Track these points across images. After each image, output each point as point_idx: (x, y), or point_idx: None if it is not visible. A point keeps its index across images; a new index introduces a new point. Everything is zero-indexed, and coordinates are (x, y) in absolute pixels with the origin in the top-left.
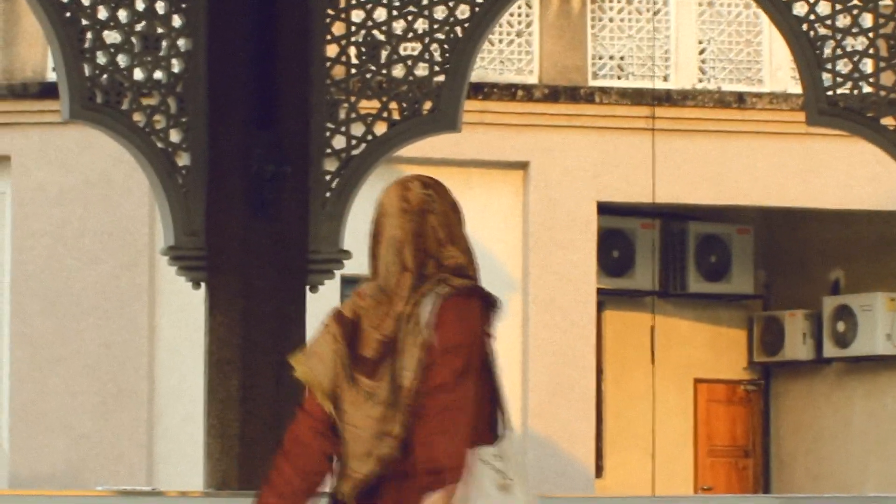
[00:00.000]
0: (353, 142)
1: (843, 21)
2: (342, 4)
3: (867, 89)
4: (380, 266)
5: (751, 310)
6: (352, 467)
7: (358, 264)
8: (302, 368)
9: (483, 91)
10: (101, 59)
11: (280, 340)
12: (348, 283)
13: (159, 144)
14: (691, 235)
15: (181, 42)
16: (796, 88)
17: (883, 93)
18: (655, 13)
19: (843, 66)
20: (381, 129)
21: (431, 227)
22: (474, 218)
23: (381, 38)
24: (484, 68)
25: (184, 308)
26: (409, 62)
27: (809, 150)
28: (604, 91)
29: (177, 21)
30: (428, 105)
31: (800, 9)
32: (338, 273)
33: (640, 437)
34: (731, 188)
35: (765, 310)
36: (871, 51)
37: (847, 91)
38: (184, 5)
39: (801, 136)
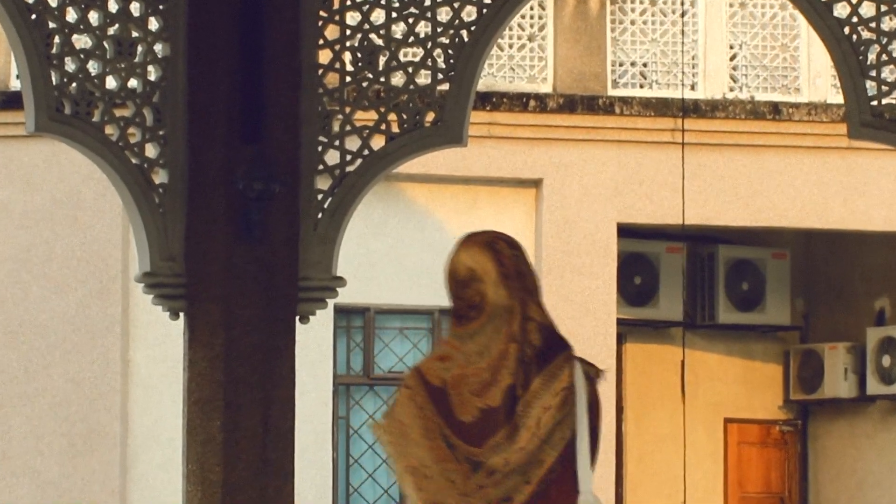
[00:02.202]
0: (348, 157)
1: (889, 24)
2: (336, 6)
3: None
4: (480, 334)
5: (787, 342)
6: None
7: (352, 292)
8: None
9: (492, 101)
10: (70, 65)
11: (267, 376)
12: (342, 312)
13: (134, 160)
14: (721, 260)
15: (158, 47)
16: (837, 98)
17: None
18: (682, 15)
19: (890, 74)
20: (378, 142)
21: (528, 290)
22: None
23: (379, 42)
24: (493, 76)
25: (161, 341)
26: (410, 69)
27: (852, 166)
28: (625, 101)
29: (154, 24)
30: (430, 116)
31: (841, 10)
32: (331, 302)
33: (665, 483)
34: (766, 208)
35: (802, 342)
36: None
37: (894, 101)
38: (161, 7)
39: (843, 151)
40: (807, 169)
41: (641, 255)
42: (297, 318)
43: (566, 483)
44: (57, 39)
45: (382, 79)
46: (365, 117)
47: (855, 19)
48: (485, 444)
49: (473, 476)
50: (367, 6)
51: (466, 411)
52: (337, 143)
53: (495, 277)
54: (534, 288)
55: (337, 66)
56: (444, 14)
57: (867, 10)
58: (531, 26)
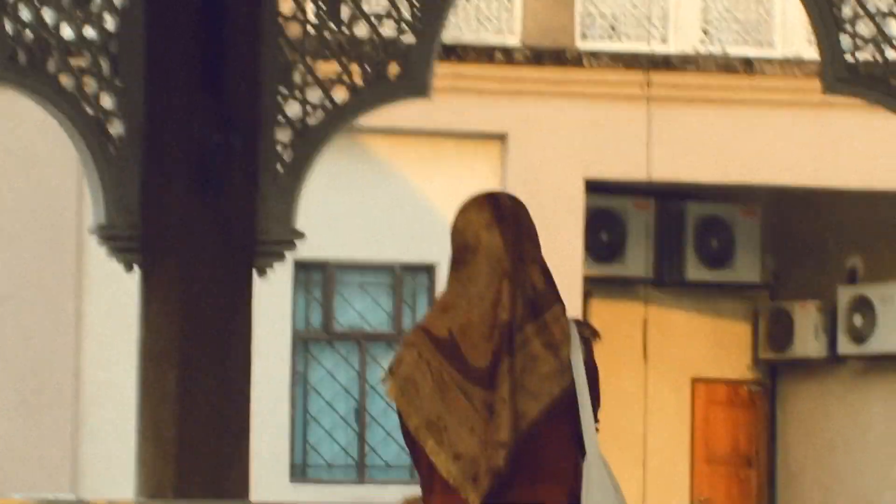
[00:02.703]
0: (310, 109)
1: None
2: None
3: (891, 54)
4: (477, 277)
5: (756, 301)
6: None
7: (312, 246)
8: (398, 397)
9: (457, 53)
10: (25, 13)
11: (224, 331)
12: (301, 267)
13: (90, 111)
14: (690, 217)
15: None
16: (812, 53)
17: None
18: None
19: (865, 28)
20: (341, 95)
21: (525, 237)
22: (445, 195)
23: None
24: (458, 27)
25: (115, 295)
26: (374, 20)
27: (826, 122)
28: (593, 54)
29: None
30: (394, 68)
31: None
32: (290, 256)
33: (630, 444)
34: (736, 164)
35: (772, 301)
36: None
37: (869, 56)
38: None
39: (817, 107)
40: (779, 125)
41: (609, 211)
42: (255, 271)
43: (555, 442)
44: None
45: (346, 30)
46: (327, 69)
47: None
48: (493, 388)
49: (489, 423)
50: None
51: (480, 356)
52: (298, 95)
53: (489, 218)
54: (533, 235)
55: (299, 16)
56: None
57: None
58: None
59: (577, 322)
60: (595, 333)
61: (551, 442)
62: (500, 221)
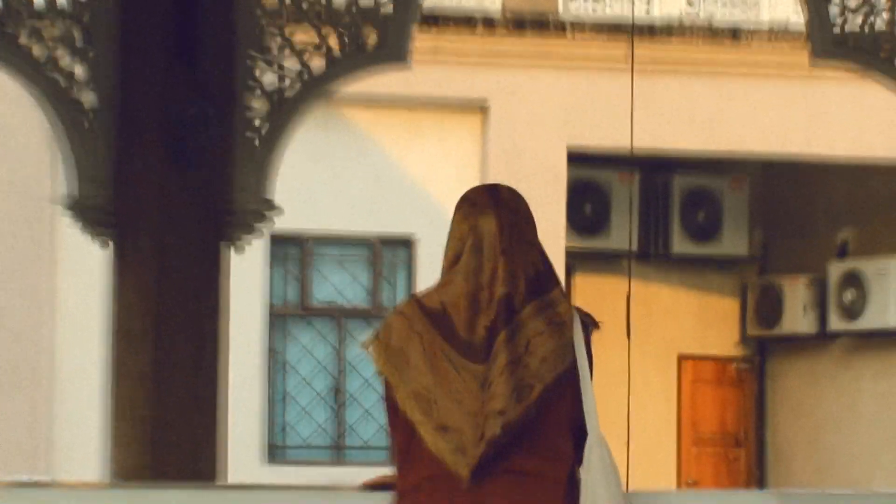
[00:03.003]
0: (286, 78)
1: None
2: None
3: (881, 25)
4: (474, 256)
5: (745, 275)
6: (469, 459)
7: (289, 220)
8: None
9: (437, 22)
10: None
11: (199, 309)
12: (277, 241)
13: (62, 82)
14: (676, 188)
15: None
16: (799, 22)
17: None
18: None
19: None
20: (318, 64)
21: (523, 221)
22: (424, 167)
23: None
24: None
25: (90, 271)
26: None
27: (814, 93)
28: (576, 23)
29: None
30: (372, 37)
31: None
32: (266, 230)
33: (614, 423)
34: (724, 135)
35: (761, 275)
36: None
37: (857, 27)
38: None
39: (805, 77)
40: (767, 94)
41: (592, 183)
42: (231, 246)
43: (556, 419)
44: None
45: None
46: (304, 37)
47: None
48: (487, 361)
49: (480, 394)
50: None
51: (472, 330)
52: (274, 64)
53: (485, 204)
54: (531, 222)
55: None
56: None
57: None
58: None
59: (578, 308)
60: (595, 323)
61: (553, 419)
62: (495, 206)
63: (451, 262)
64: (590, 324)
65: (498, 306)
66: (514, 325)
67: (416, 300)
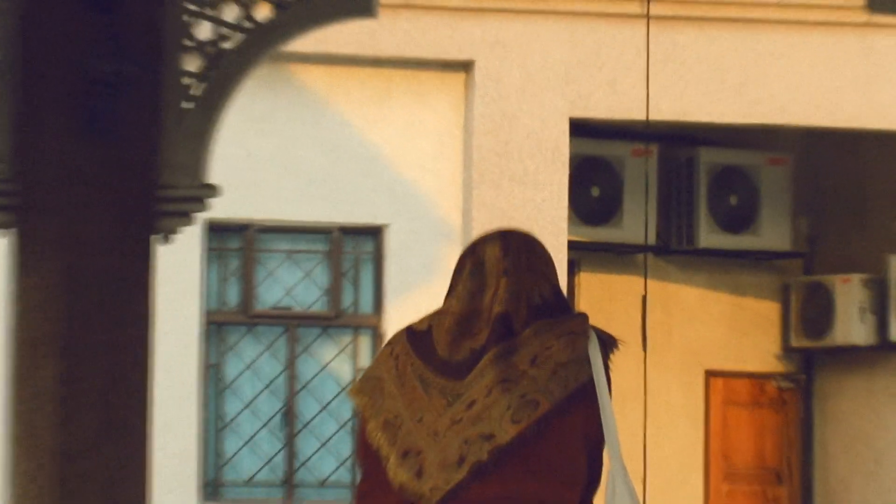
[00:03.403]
0: (225, 31)
1: None
2: None
3: None
4: (468, 283)
5: (787, 274)
6: (431, 483)
7: (228, 204)
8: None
9: None
10: None
11: (117, 312)
12: (215, 231)
13: None
14: (702, 167)
15: None
16: None
17: None
18: None
19: None
20: (264, 12)
21: (535, 257)
22: (395, 140)
23: None
24: None
25: None
26: None
27: (871, 48)
28: None
29: None
30: None
31: None
32: (200, 217)
33: (629, 454)
34: (761, 101)
35: (807, 274)
36: None
37: None
38: None
39: (861, 28)
40: (814, 51)
41: (600, 160)
42: (157, 237)
43: (566, 439)
44: None
45: None
46: None
47: None
48: (467, 378)
49: (448, 410)
50: None
51: (455, 350)
52: (210, 12)
53: (493, 233)
54: (547, 262)
55: None
56: None
57: None
58: None
59: (595, 327)
60: (614, 342)
61: (562, 439)
62: (502, 235)
63: (449, 290)
64: (609, 342)
65: (493, 326)
66: (512, 343)
67: (407, 326)
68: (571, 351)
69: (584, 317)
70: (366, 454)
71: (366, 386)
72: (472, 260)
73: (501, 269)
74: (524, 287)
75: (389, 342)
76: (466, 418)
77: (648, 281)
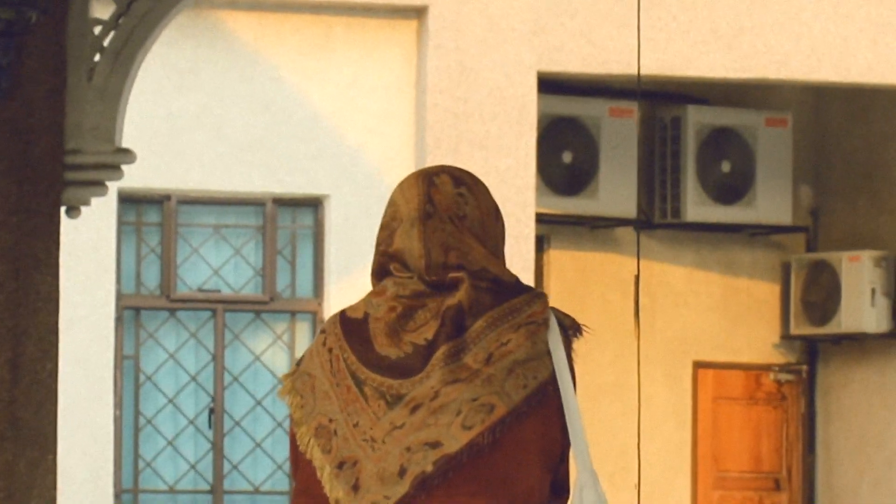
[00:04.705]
0: None
1: None
2: None
3: None
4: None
5: (787, 251)
6: (370, 499)
7: (146, 172)
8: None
9: None
10: None
11: (18, 296)
12: (130, 202)
13: None
14: (691, 128)
15: None
16: None
17: None
18: None
19: None
20: None
21: (470, 233)
22: (336, 97)
23: None
24: None
25: None
26: None
27: None
28: None
29: None
30: None
31: None
32: (113, 186)
33: (608, 456)
34: (757, 53)
35: (810, 251)
36: None
37: None
38: None
39: None
40: None
41: (574, 121)
42: (64, 209)
43: (523, 449)
44: None
45: None
46: None
47: None
48: (411, 377)
49: (387, 414)
50: None
51: (393, 345)
52: None
53: (413, 215)
54: (487, 239)
55: None
56: None
57: None
58: None
59: (554, 309)
60: (577, 327)
61: (521, 447)
62: (425, 218)
63: (375, 281)
64: (570, 328)
65: (443, 318)
66: (462, 340)
67: (340, 312)
68: (531, 345)
69: (543, 298)
70: (298, 463)
71: (297, 383)
72: (405, 260)
73: (442, 235)
74: (473, 256)
75: (322, 331)
76: (409, 424)
77: (628, 260)
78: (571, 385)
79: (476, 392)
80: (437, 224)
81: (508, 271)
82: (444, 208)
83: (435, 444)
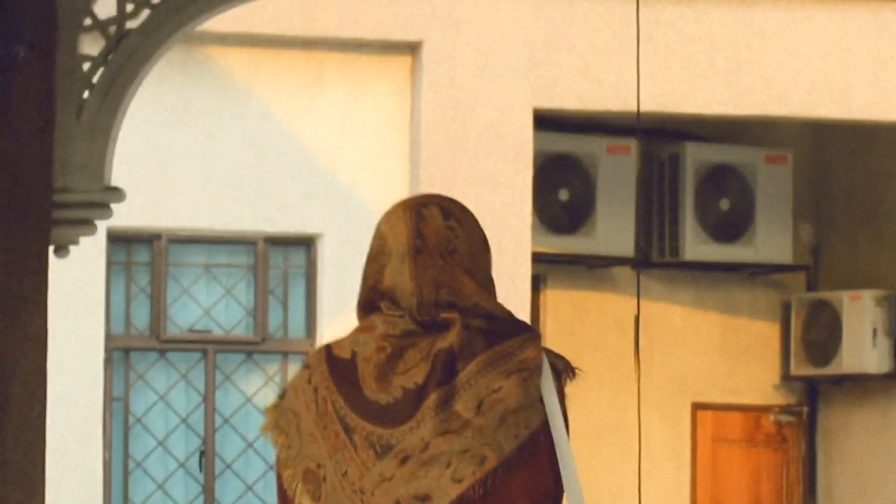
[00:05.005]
0: (129, 7)
1: None
2: None
3: None
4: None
5: (788, 290)
6: None
7: (136, 211)
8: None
9: None
10: None
11: (7, 335)
12: (119, 241)
13: None
14: (690, 166)
15: None
16: None
17: None
18: None
19: None
20: None
21: (459, 268)
22: (329, 134)
23: None
24: None
25: None
26: None
27: (886, 28)
28: None
29: None
30: None
31: None
32: (102, 225)
33: (604, 499)
34: (757, 89)
35: (811, 290)
36: None
37: None
38: None
39: (874, 4)
40: (819, 30)
41: (570, 158)
42: (52, 248)
43: (515, 498)
44: None
45: None
46: None
47: None
48: (401, 426)
49: (376, 465)
50: None
51: (382, 389)
52: None
53: (403, 250)
54: (477, 273)
55: None
56: None
57: None
58: None
59: (547, 350)
60: (570, 369)
61: (509, 499)
62: (415, 254)
63: (361, 316)
64: (563, 370)
65: (434, 362)
66: (453, 386)
67: (325, 348)
68: (523, 393)
69: (536, 341)
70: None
71: (281, 421)
72: (384, 297)
73: (434, 272)
74: (465, 292)
75: (306, 366)
76: (399, 476)
77: (626, 299)
78: (564, 431)
79: (467, 443)
80: (428, 260)
81: (500, 305)
82: (434, 243)
83: (425, 499)
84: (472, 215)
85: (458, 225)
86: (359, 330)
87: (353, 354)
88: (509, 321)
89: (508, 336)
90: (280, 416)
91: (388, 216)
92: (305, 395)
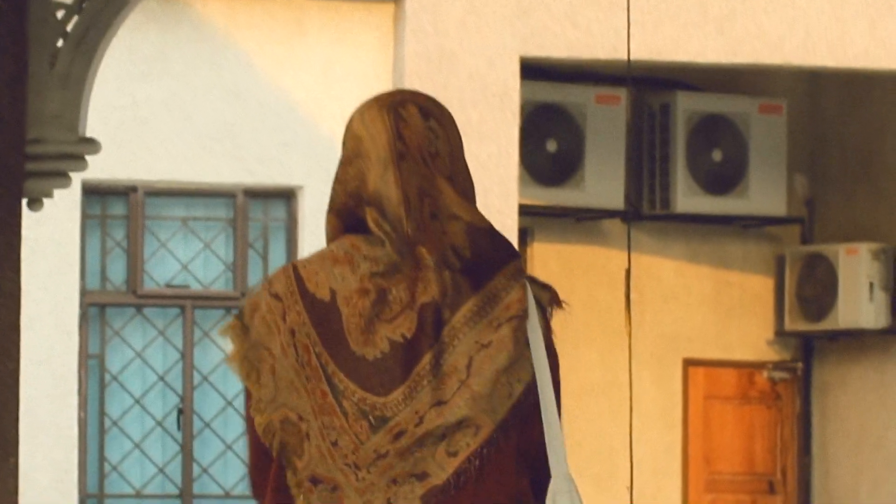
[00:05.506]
0: None
1: None
2: None
3: None
4: (374, 227)
5: (782, 243)
6: None
7: (111, 163)
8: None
9: None
10: None
11: None
12: (94, 194)
13: None
14: (680, 116)
15: None
16: None
17: None
18: None
19: None
20: None
21: (444, 177)
22: (309, 85)
23: None
24: None
25: None
26: None
27: None
28: None
29: None
30: None
31: None
32: (77, 178)
33: (593, 458)
34: (750, 37)
35: (805, 244)
36: None
37: None
38: None
39: None
40: None
41: (558, 108)
42: (26, 201)
43: (510, 462)
44: None
45: None
46: None
47: None
48: (393, 392)
49: (371, 438)
50: None
51: (369, 342)
52: None
53: (384, 154)
54: (457, 176)
55: None
56: None
57: None
58: None
59: (532, 280)
60: (555, 300)
61: (507, 465)
62: (399, 159)
63: (336, 221)
64: (547, 305)
65: (420, 318)
66: (442, 343)
67: (294, 275)
68: (514, 346)
69: (520, 274)
70: (256, 448)
71: (251, 354)
72: (365, 202)
73: (428, 262)
74: (446, 249)
75: (275, 294)
76: (393, 452)
77: (615, 253)
78: (549, 381)
79: (461, 413)
80: (412, 166)
81: (479, 214)
82: (415, 147)
83: (422, 476)
84: (448, 113)
85: (438, 125)
86: (333, 260)
87: (333, 294)
88: (490, 244)
89: (492, 271)
90: (249, 350)
91: (362, 115)
92: (282, 335)
